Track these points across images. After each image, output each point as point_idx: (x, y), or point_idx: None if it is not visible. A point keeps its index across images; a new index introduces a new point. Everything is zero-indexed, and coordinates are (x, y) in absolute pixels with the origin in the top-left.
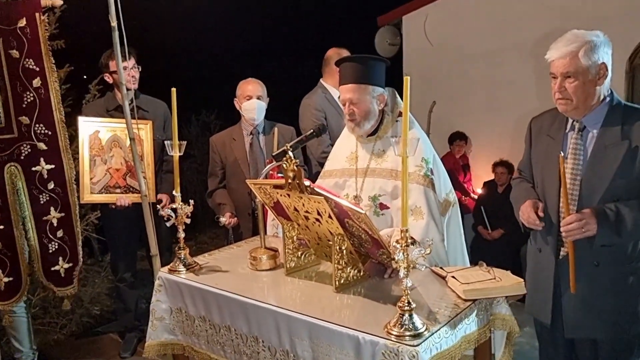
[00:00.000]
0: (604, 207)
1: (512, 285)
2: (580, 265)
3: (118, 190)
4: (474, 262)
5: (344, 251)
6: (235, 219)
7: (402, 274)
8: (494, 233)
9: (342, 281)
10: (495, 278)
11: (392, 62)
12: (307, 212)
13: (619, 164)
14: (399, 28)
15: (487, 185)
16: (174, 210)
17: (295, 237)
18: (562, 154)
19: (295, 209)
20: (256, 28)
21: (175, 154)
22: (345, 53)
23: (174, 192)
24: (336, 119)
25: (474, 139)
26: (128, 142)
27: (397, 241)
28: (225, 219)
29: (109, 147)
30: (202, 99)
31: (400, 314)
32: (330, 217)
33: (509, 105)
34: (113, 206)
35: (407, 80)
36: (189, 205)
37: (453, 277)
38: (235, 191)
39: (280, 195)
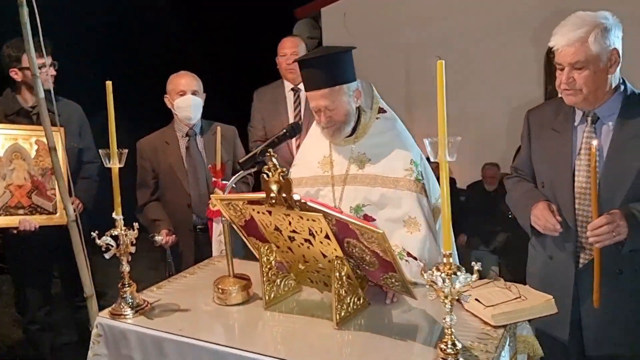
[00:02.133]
0: (631, 208)
1: (542, 305)
2: (602, 274)
3: (21, 211)
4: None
5: (344, 278)
6: (174, 236)
7: (446, 308)
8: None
9: (342, 314)
10: (520, 297)
11: None
12: (293, 231)
13: None
14: (317, 21)
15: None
16: (114, 237)
17: (273, 262)
18: (595, 145)
19: (277, 229)
20: (172, 19)
21: (115, 165)
22: (292, 43)
23: (114, 215)
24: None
25: None
26: (33, 153)
27: (437, 268)
28: (161, 238)
29: (8, 159)
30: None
31: (442, 358)
32: (327, 237)
33: (430, 101)
34: (15, 231)
35: (441, 64)
36: (132, 229)
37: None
38: (172, 203)
39: (258, 212)
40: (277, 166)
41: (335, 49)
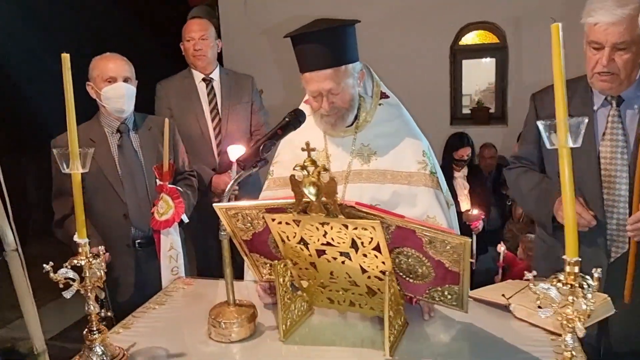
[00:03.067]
0: None
1: (602, 306)
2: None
3: None
4: None
5: (393, 296)
6: (107, 255)
7: (578, 328)
8: None
9: (392, 338)
10: None
11: None
12: (327, 244)
13: None
14: (214, 7)
15: None
16: (76, 269)
17: (288, 283)
18: None
19: (303, 241)
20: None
21: (77, 170)
22: (199, 26)
23: (76, 238)
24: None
25: None
26: None
27: (562, 281)
28: None
29: None
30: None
31: None
32: (376, 248)
33: None
34: None
35: (556, 27)
36: (99, 256)
37: (521, 305)
38: (103, 215)
39: (279, 223)
40: (316, 163)
41: (339, 22)
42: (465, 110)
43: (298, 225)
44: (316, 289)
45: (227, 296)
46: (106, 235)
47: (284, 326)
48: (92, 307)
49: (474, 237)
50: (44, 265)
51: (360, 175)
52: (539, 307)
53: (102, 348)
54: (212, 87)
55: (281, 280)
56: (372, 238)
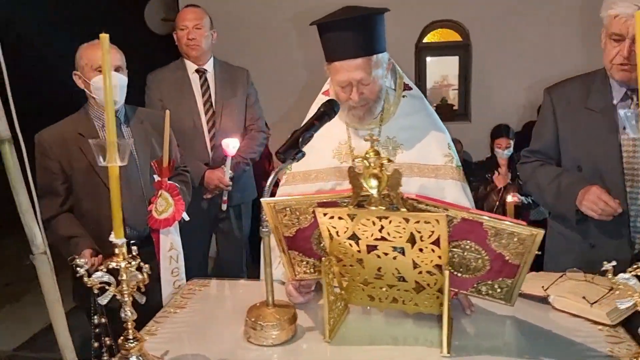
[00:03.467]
0: None
1: None
2: None
3: None
4: None
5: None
6: (100, 257)
7: None
8: None
9: (449, 335)
10: (613, 288)
11: (168, 43)
12: (381, 239)
13: None
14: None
15: None
16: (113, 272)
17: (332, 280)
18: None
19: (353, 237)
20: None
21: (114, 163)
22: (194, 15)
23: (113, 238)
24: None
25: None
26: None
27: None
28: (85, 261)
29: None
30: None
31: None
32: (435, 242)
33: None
34: None
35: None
36: (135, 259)
37: (560, 296)
38: (94, 215)
39: (331, 217)
40: (380, 153)
41: (371, 10)
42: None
43: (352, 220)
44: (356, 287)
45: (267, 297)
46: (98, 236)
47: (329, 325)
48: (129, 314)
49: None
50: (78, 268)
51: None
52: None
53: (140, 358)
54: (206, 79)
55: (328, 278)
56: (432, 232)
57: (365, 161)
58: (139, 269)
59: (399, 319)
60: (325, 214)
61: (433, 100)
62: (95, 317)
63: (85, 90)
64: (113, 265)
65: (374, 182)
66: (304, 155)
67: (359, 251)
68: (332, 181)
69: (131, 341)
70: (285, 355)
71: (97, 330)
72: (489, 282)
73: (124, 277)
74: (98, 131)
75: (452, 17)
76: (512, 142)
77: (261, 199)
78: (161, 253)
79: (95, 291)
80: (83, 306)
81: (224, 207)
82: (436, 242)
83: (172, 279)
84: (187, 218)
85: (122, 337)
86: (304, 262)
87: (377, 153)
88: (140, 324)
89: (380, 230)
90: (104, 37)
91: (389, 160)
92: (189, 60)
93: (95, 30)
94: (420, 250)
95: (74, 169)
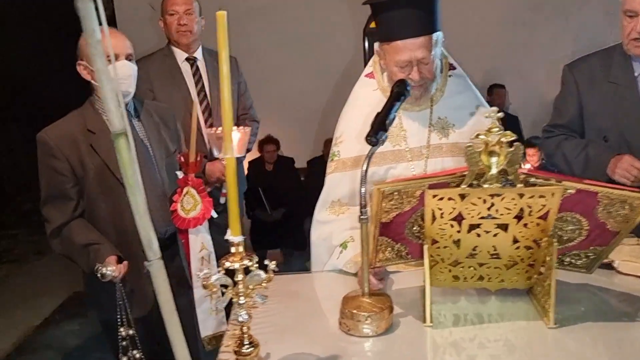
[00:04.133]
0: None
1: None
2: None
3: None
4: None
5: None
6: (125, 263)
7: None
8: (275, 213)
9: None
10: None
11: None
12: (488, 217)
13: None
14: None
15: (253, 164)
16: (229, 273)
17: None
18: None
19: (458, 217)
20: None
21: (231, 155)
22: None
23: (229, 236)
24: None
25: None
26: None
27: None
28: (112, 269)
29: None
30: None
31: None
32: (543, 217)
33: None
34: None
35: None
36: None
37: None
38: (112, 218)
39: (441, 199)
40: (503, 130)
41: None
42: None
43: (462, 200)
44: (443, 269)
45: (362, 287)
46: (118, 241)
47: (429, 311)
48: (246, 317)
49: None
50: (197, 273)
51: (440, 150)
52: None
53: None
54: (198, 68)
55: (429, 261)
56: (544, 205)
57: (486, 137)
58: (264, 267)
59: (481, 297)
60: (434, 196)
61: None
62: (122, 329)
63: (92, 82)
64: (228, 265)
65: (493, 159)
66: (386, 138)
67: (458, 231)
68: (385, 165)
69: (247, 346)
70: (391, 344)
71: (124, 343)
72: (576, 251)
73: (242, 278)
74: (108, 126)
75: None
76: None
77: (374, 186)
78: (192, 254)
79: (214, 297)
80: (102, 317)
81: (223, 200)
82: (543, 217)
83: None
84: (215, 215)
85: (237, 342)
86: (389, 248)
87: (500, 130)
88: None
89: (488, 209)
90: (221, 14)
91: (510, 136)
92: (177, 48)
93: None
94: (525, 225)
95: (85, 169)
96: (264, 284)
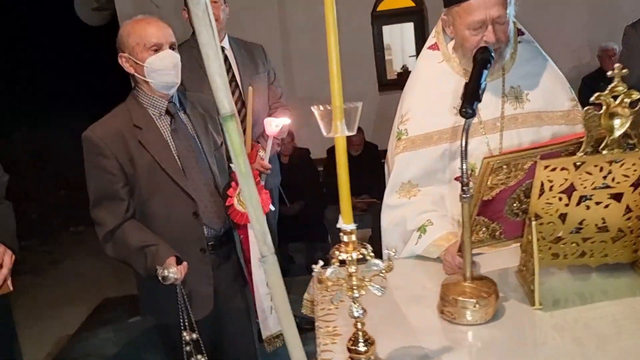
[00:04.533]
0: None
1: None
2: None
3: None
4: None
5: None
6: (185, 264)
7: None
8: (293, 207)
9: None
10: None
11: (104, 34)
12: (602, 186)
13: None
14: None
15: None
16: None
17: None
18: None
19: (569, 189)
20: None
21: (341, 134)
22: None
23: (340, 224)
24: None
25: None
26: None
27: None
28: (174, 270)
29: None
30: None
31: None
32: None
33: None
34: None
35: None
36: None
37: None
38: (167, 217)
39: (553, 169)
40: (625, 90)
41: None
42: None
43: (576, 169)
44: (542, 247)
45: (465, 271)
46: (175, 241)
47: (537, 291)
48: (360, 312)
49: None
50: (313, 265)
51: (516, 121)
52: None
53: None
54: (226, 57)
55: (539, 239)
56: None
57: (609, 98)
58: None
59: (581, 274)
60: (546, 167)
61: (394, 69)
62: (185, 332)
63: (136, 74)
64: (343, 256)
65: (616, 121)
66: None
67: (566, 205)
68: (457, 141)
69: (363, 344)
70: (500, 330)
71: (188, 348)
72: None
73: (354, 269)
74: (155, 121)
75: None
76: None
77: (484, 158)
78: (252, 250)
79: (331, 292)
80: (161, 321)
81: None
82: None
83: (265, 277)
84: (273, 208)
85: (351, 340)
86: (484, 228)
87: (624, 87)
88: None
89: (604, 177)
90: None
91: (635, 95)
92: None
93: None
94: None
95: (136, 167)
96: (382, 274)
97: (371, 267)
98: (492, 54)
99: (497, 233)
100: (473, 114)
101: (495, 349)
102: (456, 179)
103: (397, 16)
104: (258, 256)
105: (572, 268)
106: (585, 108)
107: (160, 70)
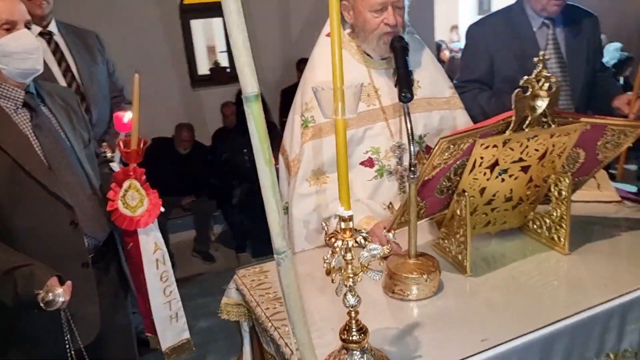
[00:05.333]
0: None
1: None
2: None
3: None
4: None
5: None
6: (68, 283)
7: None
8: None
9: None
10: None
11: None
12: (518, 160)
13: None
14: None
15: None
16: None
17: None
18: None
19: (493, 165)
20: None
21: (340, 116)
22: None
23: (340, 211)
24: None
25: None
26: None
27: None
28: (60, 293)
29: None
30: None
31: None
32: (560, 154)
33: None
34: None
35: None
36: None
37: None
38: (38, 230)
39: (486, 147)
40: (547, 75)
41: None
42: (203, 72)
43: (503, 146)
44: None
45: (409, 249)
46: (50, 258)
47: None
48: (352, 301)
49: None
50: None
51: (412, 106)
52: None
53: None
54: (57, 44)
55: (468, 211)
56: (564, 143)
57: (534, 82)
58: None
59: (484, 241)
60: (482, 145)
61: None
62: None
63: None
64: (340, 244)
65: (539, 102)
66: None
67: (487, 179)
68: (363, 126)
69: (356, 333)
70: (448, 297)
71: None
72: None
73: (349, 258)
74: (12, 115)
75: None
76: None
77: (441, 137)
78: (145, 258)
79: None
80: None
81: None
82: (559, 154)
83: (161, 285)
84: (163, 209)
85: (344, 329)
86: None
87: (545, 76)
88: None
89: (522, 152)
90: None
91: (554, 78)
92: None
93: None
94: (543, 165)
95: None
96: (379, 258)
97: (370, 252)
98: (404, 40)
99: (422, 212)
100: (411, 98)
101: (448, 315)
102: (361, 163)
103: (208, 10)
104: (152, 259)
105: (476, 237)
106: (515, 91)
107: (16, 53)
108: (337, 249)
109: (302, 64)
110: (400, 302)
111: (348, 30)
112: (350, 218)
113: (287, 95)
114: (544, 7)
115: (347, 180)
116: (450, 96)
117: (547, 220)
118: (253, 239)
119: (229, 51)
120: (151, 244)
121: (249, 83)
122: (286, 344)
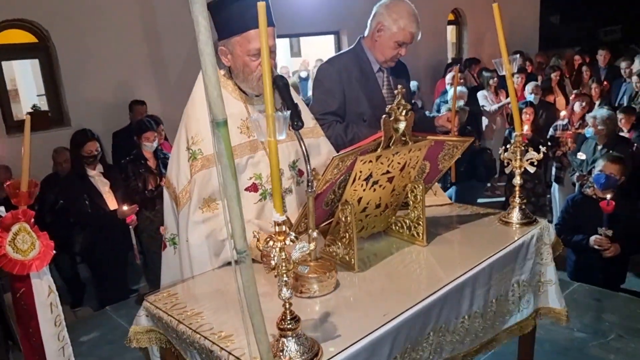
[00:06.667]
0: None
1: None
2: None
3: None
4: None
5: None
6: None
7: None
8: None
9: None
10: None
11: None
12: (386, 172)
13: None
14: None
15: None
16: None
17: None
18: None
19: (368, 177)
20: None
21: (273, 138)
22: None
23: (276, 217)
24: None
25: None
26: None
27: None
28: None
29: None
30: None
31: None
32: (414, 166)
33: None
34: None
35: (497, 7)
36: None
37: None
38: None
39: (364, 162)
40: (405, 104)
41: None
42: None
43: (376, 161)
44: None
45: (309, 254)
46: None
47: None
48: (290, 293)
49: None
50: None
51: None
52: None
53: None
54: None
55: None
56: (418, 157)
57: (396, 109)
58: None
59: (360, 245)
60: (361, 160)
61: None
62: None
63: None
64: (278, 245)
65: (402, 125)
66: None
67: (364, 190)
68: (245, 155)
69: (290, 321)
70: (347, 290)
71: None
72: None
73: (283, 256)
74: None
75: (24, 17)
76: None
77: (336, 155)
78: (38, 302)
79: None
80: None
81: None
82: (414, 166)
83: (55, 330)
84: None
85: (280, 318)
86: (305, 220)
87: (404, 105)
88: None
89: (389, 165)
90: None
91: (409, 109)
92: None
93: None
94: (402, 176)
95: None
96: (308, 252)
97: (301, 250)
98: (284, 79)
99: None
100: (302, 125)
101: (349, 304)
102: (246, 189)
103: (20, 51)
104: (45, 303)
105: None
106: (383, 116)
107: None
108: (277, 249)
109: (135, 105)
110: (307, 299)
111: (223, 72)
112: (284, 222)
113: (118, 137)
114: (385, 60)
115: (280, 190)
116: (314, 126)
117: (407, 221)
118: (97, 289)
119: (48, 94)
120: (45, 287)
121: (220, 112)
122: (221, 347)
